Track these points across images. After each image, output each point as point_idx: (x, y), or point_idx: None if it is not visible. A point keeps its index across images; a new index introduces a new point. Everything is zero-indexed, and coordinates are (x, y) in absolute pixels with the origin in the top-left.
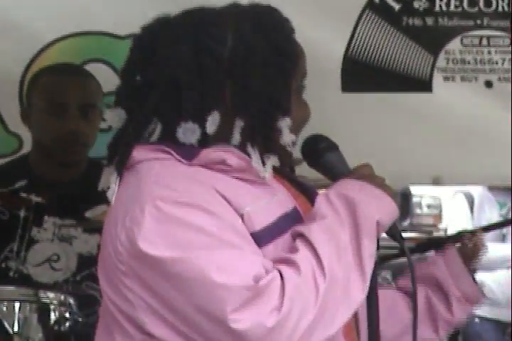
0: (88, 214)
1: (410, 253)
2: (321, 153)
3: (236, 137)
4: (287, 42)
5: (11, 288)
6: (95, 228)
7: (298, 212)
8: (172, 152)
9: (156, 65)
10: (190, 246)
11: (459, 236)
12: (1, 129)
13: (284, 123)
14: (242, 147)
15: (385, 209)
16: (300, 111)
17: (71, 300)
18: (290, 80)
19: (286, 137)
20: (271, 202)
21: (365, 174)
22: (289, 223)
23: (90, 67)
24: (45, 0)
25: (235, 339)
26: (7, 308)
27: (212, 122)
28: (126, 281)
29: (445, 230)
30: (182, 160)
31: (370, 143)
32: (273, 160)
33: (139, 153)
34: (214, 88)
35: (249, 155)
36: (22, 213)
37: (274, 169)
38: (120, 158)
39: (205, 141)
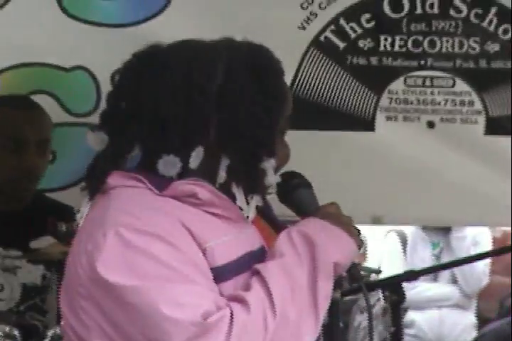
0: (33, 244)
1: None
2: (293, 189)
3: (222, 175)
4: (276, 84)
5: None
6: (40, 259)
7: (264, 251)
8: (145, 181)
9: (144, 94)
10: (146, 276)
11: (408, 275)
12: None
13: (269, 164)
14: (226, 185)
15: (344, 250)
16: (282, 151)
17: (16, 332)
18: (276, 121)
19: (271, 178)
20: (237, 239)
21: (330, 213)
22: (253, 261)
23: (35, 99)
24: None
25: None
26: None
27: (196, 157)
28: (83, 304)
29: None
30: (154, 189)
31: (311, 180)
32: (256, 200)
33: (113, 179)
34: (200, 123)
35: (232, 193)
36: None
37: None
38: (94, 183)
39: (185, 175)
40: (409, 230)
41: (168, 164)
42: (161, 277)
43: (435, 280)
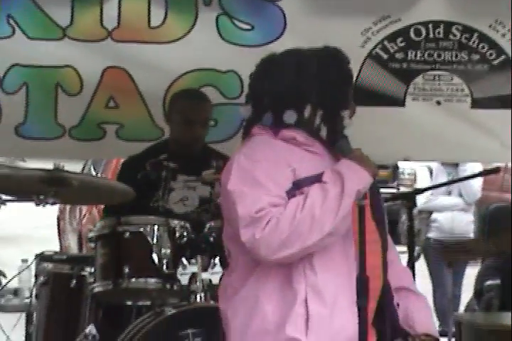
0: (203, 173)
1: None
2: (337, 139)
3: (317, 121)
4: (347, 70)
5: (154, 217)
6: (207, 181)
7: None
8: (269, 130)
9: (270, 81)
10: (239, 185)
11: (416, 190)
12: (151, 123)
13: (346, 113)
14: (317, 130)
15: (362, 180)
16: (352, 107)
17: (187, 225)
18: (349, 90)
19: (347, 121)
20: (316, 164)
21: (356, 155)
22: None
23: (204, 89)
24: (181, 46)
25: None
26: (150, 229)
27: (307, 110)
28: (221, 199)
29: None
30: (272, 135)
31: (369, 136)
32: (339, 135)
33: (255, 130)
34: (306, 93)
35: (320, 136)
36: (164, 173)
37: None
38: (244, 133)
39: (298, 123)
40: (434, 165)
41: (290, 116)
42: (246, 185)
43: (449, 194)
